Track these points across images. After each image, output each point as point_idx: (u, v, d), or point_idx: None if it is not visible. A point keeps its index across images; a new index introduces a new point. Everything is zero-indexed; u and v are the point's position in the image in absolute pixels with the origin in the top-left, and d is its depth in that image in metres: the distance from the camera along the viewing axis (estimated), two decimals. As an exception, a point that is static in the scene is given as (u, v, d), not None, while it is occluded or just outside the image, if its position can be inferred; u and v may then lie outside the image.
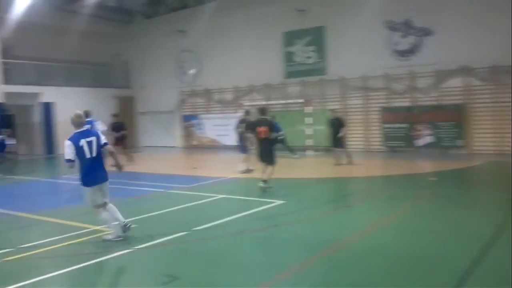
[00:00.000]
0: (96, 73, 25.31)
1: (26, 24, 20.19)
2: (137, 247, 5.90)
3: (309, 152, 18.15)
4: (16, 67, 21.84)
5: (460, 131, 16.35)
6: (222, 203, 9.12)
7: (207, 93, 23.37)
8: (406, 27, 17.57)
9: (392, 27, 17.88)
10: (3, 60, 20.91)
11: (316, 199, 9.22)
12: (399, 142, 17.74)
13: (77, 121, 6.28)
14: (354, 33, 18.42)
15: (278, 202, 8.66)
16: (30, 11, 19.59)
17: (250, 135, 11.43)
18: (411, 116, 17.25)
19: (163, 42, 24.66)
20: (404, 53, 17.72)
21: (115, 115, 17.08)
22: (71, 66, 23.66)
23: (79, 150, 6.04)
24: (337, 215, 7.82)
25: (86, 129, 6.32)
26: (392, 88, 18.01)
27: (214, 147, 22.02)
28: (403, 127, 17.50)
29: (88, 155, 6.09)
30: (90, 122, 10.29)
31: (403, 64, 17.69)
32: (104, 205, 6.32)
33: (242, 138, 13.33)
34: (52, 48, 22.54)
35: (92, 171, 6.15)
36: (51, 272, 5.05)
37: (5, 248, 5.98)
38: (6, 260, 5.54)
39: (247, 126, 12.27)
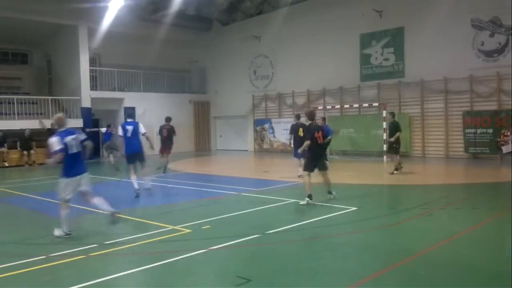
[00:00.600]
0: (174, 79, 26.42)
1: (112, 34, 21.57)
2: (211, 248, 6.01)
3: (385, 158, 17.50)
4: (103, 75, 23.43)
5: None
6: (293, 208, 9.04)
7: (280, 97, 23.46)
8: (494, 25, 16.41)
9: (478, 25, 16.80)
10: (91, 68, 22.51)
11: (392, 206, 8.85)
12: (482, 148, 16.58)
13: (60, 122, 7.04)
14: (435, 33, 17.56)
15: (352, 208, 8.43)
16: (116, 22, 20.87)
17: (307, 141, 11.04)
18: (497, 121, 16.06)
19: (238, 48, 25.19)
20: (491, 53, 16.56)
21: (167, 119, 16.47)
22: (152, 72, 24.90)
23: (64, 146, 6.74)
24: (415, 223, 7.43)
25: (67, 129, 7.03)
26: (476, 90, 16.90)
27: (285, 151, 22.02)
28: (487, 132, 16.34)
29: (70, 151, 6.78)
30: (132, 123, 10.93)
31: (489, 65, 16.55)
32: (69, 200, 6.93)
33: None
34: (135, 56, 23.91)
35: (74, 164, 6.85)
36: (130, 269, 5.29)
37: (89, 244, 6.36)
38: (90, 256, 5.89)
39: (294, 130, 12.20)
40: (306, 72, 21.94)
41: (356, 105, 19.53)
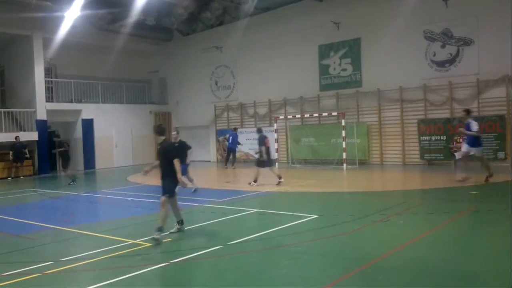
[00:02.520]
0: (134, 89, 26.03)
1: (68, 44, 21.05)
2: (173, 261, 5.93)
3: (344, 165, 17.88)
4: (59, 86, 22.79)
5: (502, 142, 15.72)
6: (255, 218, 9.08)
7: (241, 107, 23.55)
8: (445, 36, 17.17)
9: (430, 37, 17.51)
10: (46, 79, 21.84)
11: (351, 213, 9.03)
12: (437, 155, 17.22)
13: None
14: (390, 44, 18.17)
15: (313, 216, 8.54)
16: (72, 31, 20.35)
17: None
18: (450, 128, 16.74)
19: (199, 59, 25.14)
20: (443, 64, 17.29)
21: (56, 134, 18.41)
22: (111, 83, 24.44)
23: None
24: (374, 229, 7.62)
25: None
26: (430, 99, 17.58)
27: (248, 161, 22.07)
28: (441, 139, 16.99)
29: None
30: None
31: (442, 74, 17.26)
32: None
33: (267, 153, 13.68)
34: (92, 66, 23.42)
35: None
36: (89, 285, 5.14)
37: (46, 261, 6.14)
38: (47, 273, 5.68)
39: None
40: (267, 82, 22.16)
41: (316, 115, 19.87)
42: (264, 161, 13.51)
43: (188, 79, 25.95)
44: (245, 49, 23.02)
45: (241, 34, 22.23)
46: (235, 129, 21.59)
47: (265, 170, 13.58)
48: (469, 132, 11.92)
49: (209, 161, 24.87)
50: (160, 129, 7.76)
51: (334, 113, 19.20)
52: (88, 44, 22.72)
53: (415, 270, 5.31)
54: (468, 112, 12.43)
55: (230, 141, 20.83)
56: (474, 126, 11.81)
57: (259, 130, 14.17)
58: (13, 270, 5.73)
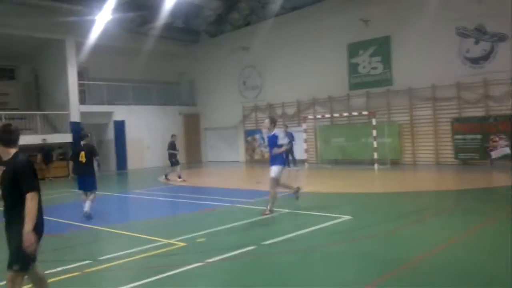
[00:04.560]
0: (163, 91, 26.38)
1: (100, 47, 21.51)
2: (207, 261, 5.96)
3: (376, 166, 17.63)
4: (91, 88, 23.32)
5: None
6: (288, 218, 9.04)
7: (270, 107, 23.54)
8: (479, 33, 16.71)
9: (463, 33, 17.07)
10: (79, 81, 22.39)
11: (385, 214, 8.88)
12: (472, 154, 16.77)
13: None
14: (421, 41, 17.81)
15: (346, 217, 8.44)
16: (103, 35, 20.83)
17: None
18: (486, 127, 16.28)
19: (226, 59, 25.28)
20: (477, 60, 16.83)
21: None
22: (141, 85, 24.85)
23: None
24: (409, 231, 7.46)
25: None
26: (464, 97, 17.13)
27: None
28: (477, 138, 16.54)
29: None
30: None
31: (476, 72, 16.80)
32: None
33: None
34: (123, 68, 23.86)
35: None
36: (126, 284, 5.22)
37: (85, 260, 6.28)
38: (86, 272, 5.81)
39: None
40: (295, 82, 22.07)
41: (345, 114, 19.66)
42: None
43: (216, 80, 26.12)
44: (272, 49, 23.01)
45: (268, 34, 22.25)
46: (286, 126, 19.46)
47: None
48: None
49: (238, 161, 24.95)
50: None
51: (364, 113, 18.95)
52: (119, 47, 23.16)
53: (452, 273, 5.16)
54: None
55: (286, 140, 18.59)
56: None
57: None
58: (54, 269, 5.88)
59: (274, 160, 9.16)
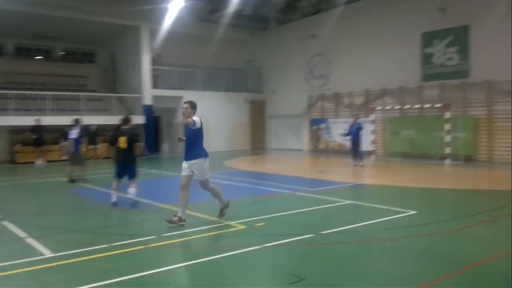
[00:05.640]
0: (231, 78, 26.77)
1: (172, 34, 22.21)
2: (265, 245, 6.03)
3: (447, 161, 16.79)
4: (163, 73, 24.21)
5: None
6: (349, 209, 8.88)
7: (336, 97, 23.13)
8: None
9: (553, 22, 15.65)
10: (153, 67, 23.33)
11: (453, 211, 8.46)
12: (557, 154, 15.45)
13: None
14: (503, 32, 16.55)
15: (410, 212, 8.14)
16: (176, 22, 21.49)
17: None
18: None
19: (294, 47, 25.11)
20: None
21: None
22: (209, 71, 25.39)
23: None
24: (479, 230, 7.05)
25: None
26: (550, 92, 15.77)
27: (341, 151, 21.66)
28: None
29: None
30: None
31: None
32: None
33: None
34: (193, 55, 24.48)
35: None
36: (186, 261, 5.43)
37: (150, 235, 6.60)
38: (150, 246, 6.10)
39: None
40: (364, 71, 21.47)
41: (417, 106, 18.84)
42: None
43: (283, 68, 26.06)
44: (342, 38, 22.51)
45: (338, 22, 21.77)
46: (357, 116, 17.25)
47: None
48: None
49: (302, 150, 24.85)
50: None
51: (437, 105, 18.04)
52: (190, 34, 23.77)
53: (527, 277, 4.81)
54: None
55: (352, 131, 16.44)
56: None
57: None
58: (120, 241, 6.24)
59: (193, 153, 7.34)
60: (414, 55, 19.66)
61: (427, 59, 19.38)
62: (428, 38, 19.28)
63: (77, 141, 12.97)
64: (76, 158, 13.03)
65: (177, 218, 7.08)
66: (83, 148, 13.47)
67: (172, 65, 24.26)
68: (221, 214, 7.70)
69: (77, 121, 13.25)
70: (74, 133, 12.93)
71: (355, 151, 16.28)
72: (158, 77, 24.07)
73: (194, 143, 7.27)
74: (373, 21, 21.04)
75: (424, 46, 19.45)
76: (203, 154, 7.35)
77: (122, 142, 9.00)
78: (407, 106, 19.20)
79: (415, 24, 19.47)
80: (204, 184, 7.51)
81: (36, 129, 18.98)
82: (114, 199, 9.00)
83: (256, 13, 24.47)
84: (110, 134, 9.78)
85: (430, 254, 5.75)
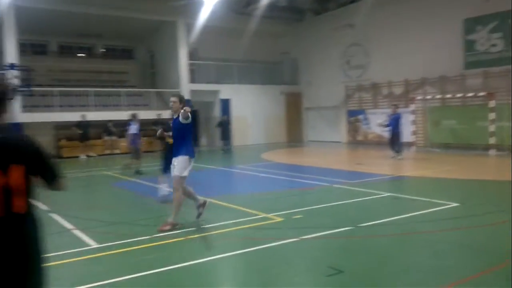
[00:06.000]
0: (266, 70, 26.77)
1: (208, 28, 22.41)
2: (303, 237, 6.05)
3: (492, 152, 16.20)
4: (200, 68, 24.50)
5: None
6: (388, 202, 8.75)
7: (375, 87, 22.69)
8: None
9: None
10: (190, 61, 23.64)
11: (497, 204, 8.17)
12: None
13: None
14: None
15: (453, 204, 7.94)
16: (211, 16, 21.64)
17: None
18: None
19: (330, 38, 24.78)
20: None
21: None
22: (245, 65, 25.47)
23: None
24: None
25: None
26: None
27: (380, 143, 21.28)
28: None
29: None
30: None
31: None
32: None
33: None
34: (229, 48, 24.63)
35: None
36: (224, 253, 5.52)
37: (189, 228, 6.75)
38: (189, 238, 6.25)
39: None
40: (404, 61, 20.93)
41: (459, 95, 18.22)
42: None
43: (319, 59, 25.79)
44: (380, 26, 22.01)
45: (375, 10, 21.30)
46: (397, 107, 16.26)
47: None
48: None
49: (339, 142, 24.59)
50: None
51: (481, 94, 17.39)
52: (225, 28, 23.89)
53: None
54: None
55: (391, 122, 15.68)
56: None
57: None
58: (162, 233, 6.42)
59: (178, 149, 6.80)
60: (455, 43, 18.99)
61: (469, 46, 18.68)
62: (471, 24, 18.56)
63: (136, 136, 13.37)
64: (135, 152, 13.46)
65: (169, 226, 6.61)
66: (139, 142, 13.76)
67: (208, 59, 24.50)
68: (198, 214, 7.15)
69: (134, 116, 13.68)
70: (133, 128, 13.33)
71: (394, 143, 15.62)
72: (194, 71, 24.38)
73: (183, 139, 6.76)
74: (411, 9, 20.45)
75: (466, 32, 18.75)
76: (190, 152, 6.77)
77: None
78: (448, 95, 18.61)
79: (456, 10, 18.79)
80: (176, 181, 6.74)
81: (81, 124, 19.70)
82: (163, 192, 9.00)
83: (291, 4, 24.29)
84: (157, 128, 9.97)
85: (471, 248, 5.61)
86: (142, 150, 14.31)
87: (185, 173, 6.69)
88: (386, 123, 15.96)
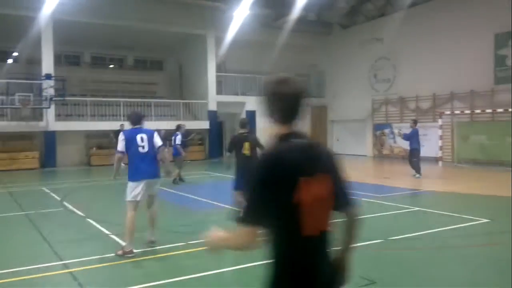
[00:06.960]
0: (293, 83, 26.88)
1: (237, 41, 22.79)
2: (333, 248, 6.12)
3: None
4: (226, 80, 24.90)
5: None
6: (418, 216, 8.76)
7: (402, 101, 22.60)
8: None
9: None
10: (217, 73, 24.06)
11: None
12: None
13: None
14: None
15: (483, 220, 7.90)
16: (240, 29, 22.03)
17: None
18: None
19: (358, 51, 24.84)
20: None
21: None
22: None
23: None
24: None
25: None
26: None
27: (406, 157, 21.08)
28: None
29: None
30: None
31: None
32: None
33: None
34: (256, 61, 24.96)
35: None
36: (256, 261, 5.64)
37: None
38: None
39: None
40: (432, 75, 20.81)
41: (489, 110, 18.00)
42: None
43: (346, 72, 25.85)
44: (408, 40, 21.97)
45: (403, 24, 21.28)
46: (415, 122, 15.12)
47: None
48: None
49: (365, 155, 24.49)
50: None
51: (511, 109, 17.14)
52: (253, 40, 24.25)
53: None
54: None
55: (408, 138, 14.77)
56: None
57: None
58: (198, 240, 6.60)
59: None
60: (486, 57, 18.81)
61: (500, 61, 18.48)
62: (502, 39, 18.38)
63: (181, 146, 13.77)
64: (178, 161, 13.84)
65: (121, 251, 5.91)
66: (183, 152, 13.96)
67: (235, 71, 24.87)
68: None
69: (179, 127, 14.05)
70: (178, 139, 13.75)
71: (412, 161, 14.57)
72: (221, 83, 24.77)
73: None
74: (440, 23, 20.39)
75: (497, 47, 18.57)
76: (130, 175, 6.34)
77: (246, 148, 7.70)
78: (478, 111, 18.40)
79: (487, 25, 18.64)
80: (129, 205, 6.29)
81: (117, 133, 20.23)
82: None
83: (320, 18, 24.53)
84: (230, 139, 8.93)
85: (501, 263, 5.60)
86: (185, 159, 14.52)
87: (129, 197, 6.31)
88: (403, 135, 14.96)
